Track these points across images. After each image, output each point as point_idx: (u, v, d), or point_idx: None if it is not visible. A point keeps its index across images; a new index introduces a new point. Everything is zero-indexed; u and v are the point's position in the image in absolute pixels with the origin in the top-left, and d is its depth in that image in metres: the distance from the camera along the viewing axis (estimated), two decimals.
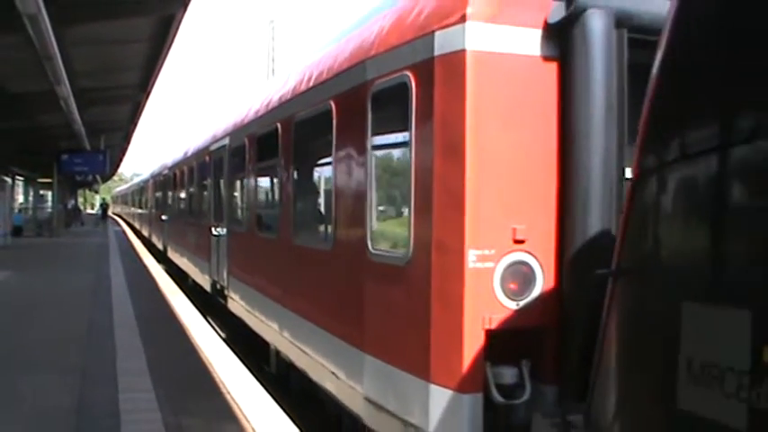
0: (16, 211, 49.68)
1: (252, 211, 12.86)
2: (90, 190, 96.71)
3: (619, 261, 3.82)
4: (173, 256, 25.81)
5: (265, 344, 11.29)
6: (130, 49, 21.35)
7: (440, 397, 5.77)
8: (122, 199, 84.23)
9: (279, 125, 10.38)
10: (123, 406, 8.08)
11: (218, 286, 15.52)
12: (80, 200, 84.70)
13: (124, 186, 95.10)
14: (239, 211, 14.27)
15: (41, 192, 62.56)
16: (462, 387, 5.61)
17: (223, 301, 14.92)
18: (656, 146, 3.54)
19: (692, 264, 3.19)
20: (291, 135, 9.85)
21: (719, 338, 2.91)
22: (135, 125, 41.67)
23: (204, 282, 17.52)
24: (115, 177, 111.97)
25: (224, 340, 13.44)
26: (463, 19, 5.63)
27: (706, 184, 3.16)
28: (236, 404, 8.22)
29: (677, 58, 3.44)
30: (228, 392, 8.69)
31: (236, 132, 14.09)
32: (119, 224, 71.74)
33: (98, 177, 66.13)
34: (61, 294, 17.79)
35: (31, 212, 56.35)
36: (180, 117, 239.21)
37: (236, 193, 14.80)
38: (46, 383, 9.08)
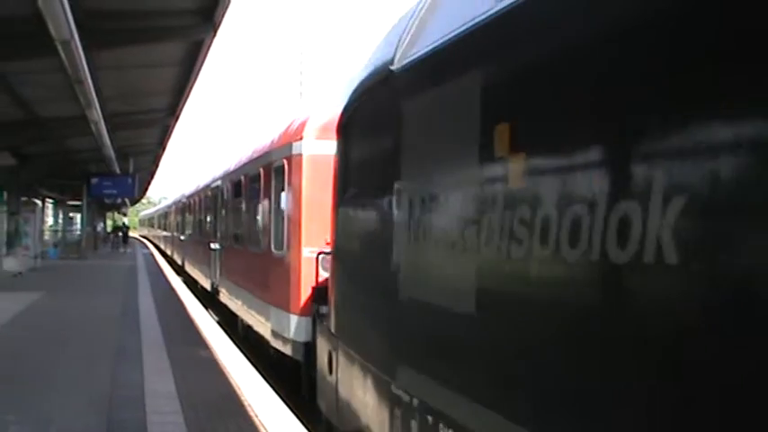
0: (47, 233, 50.17)
1: (230, 231, 19.90)
2: (119, 213, 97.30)
3: (332, 248, 7.99)
4: (188, 268, 32.72)
5: (236, 317, 18.02)
6: (160, 73, 21.58)
7: (294, 319, 11.76)
8: (148, 222, 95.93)
9: (242, 177, 17.69)
10: (151, 428, 8.10)
11: (215, 285, 22.15)
12: (108, 222, 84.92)
13: (150, 210, 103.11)
14: (225, 232, 21.02)
15: (71, 214, 62.99)
16: (303, 314, 11.49)
17: (217, 295, 21.60)
18: (337, 198, 7.68)
19: (341, 250, 7.53)
20: (248, 184, 16.98)
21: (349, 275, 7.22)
22: (164, 149, 41.96)
23: (206, 284, 24.47)
24: (144, 200, 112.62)
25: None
26: (300, 138, 12.04)
27: (347, 216, 7.35)
28: (264, 428, 8.22)
29: (339, 163, 7.75)
30: (256, 415, 8.69)
31: (224, 177, 21.36)
32: (146, 246, 72.10)
33: (126, 200, 66.43)
34: (90, 315, 17.91)
35: (60, 235, 56.75)
36: (209, 140, 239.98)
37: (224, 219, 21.52)
38: (74, 405, 9.13)
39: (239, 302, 17.31)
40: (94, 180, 40.64)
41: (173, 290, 25.88)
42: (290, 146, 12.49)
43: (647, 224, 2.74)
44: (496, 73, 4.19)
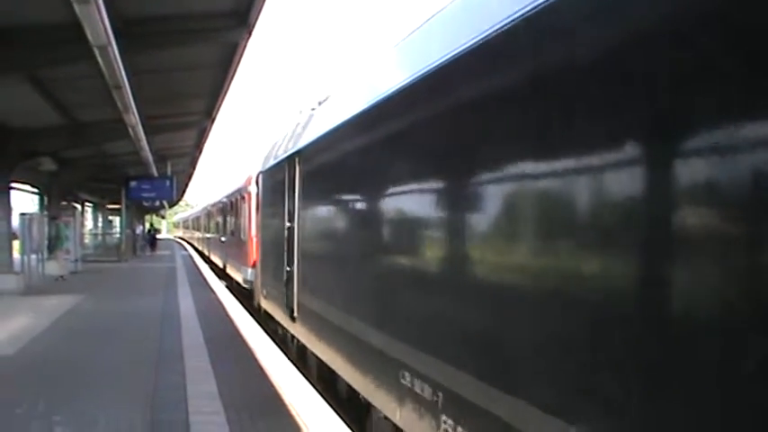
0: (86, 237, 50.62)
1: (230, 229, 32.95)
2: (157, 215, 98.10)
3: (257, 234, 19.94)
4: (211, 256, 45.59)
5: (233, 280, 29.77)
6: (196, 76, 21.75)
7: (249, 270, 23.01)
8: (183, 224, 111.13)
9: (233, 199, 31.55)
10: (194, 429, 8.16)
11: (224, 263, 34.93)
12: (147, 225, 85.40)
13: (185, 214, 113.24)
14: (228, 230, 34.17)
15: (110, 217, 63.47)
16: (252, 266, 21.74)
17: (225, 270, 33.96)
18: (257, 213, 19.11)
19: (259, 234, 18.59)
20: (234, 203, 30.63)
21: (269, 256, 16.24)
22: (201, 151, 42.26)
23: (220, 263, 37.17)
24: (181, 203, 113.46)
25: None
26: (250, 184, 23.95)
27: (259, 221, 18.56)
28: (306, 427, 8.24)
29: (258, 198, 18.53)
30: (298, 414, 8.71)
31: (227, 197, 34.69)
32: (184, 248, 72.47)
33: (165, 203, 66.84)
34: (131, 317, 18.07)
35: (100, 238, 57.20)
36: (246, 139, 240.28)
37: (227, 222, 34.88)
38: (118, 406, 9.24)
39: (233, 269, 29.74)
40: (133, 183, 40.99)
41: (206, 281, 27.89)
42: (246, 187, 25.71)
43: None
44: (274, 185, 14.76)
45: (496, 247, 4.96)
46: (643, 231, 3.49)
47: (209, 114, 28.34)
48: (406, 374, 6.24)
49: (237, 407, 9.06)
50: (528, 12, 4.34)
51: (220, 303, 21.51)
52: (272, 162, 15.28)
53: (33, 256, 27.34)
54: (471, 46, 5.11)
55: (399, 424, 6.55)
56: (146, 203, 53.64)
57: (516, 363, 4.55)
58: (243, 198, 26.85)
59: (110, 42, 12.08)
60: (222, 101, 25.23)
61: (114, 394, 9.90)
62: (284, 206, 12.89)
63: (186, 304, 21.01)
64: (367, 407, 8.53)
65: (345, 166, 9.00)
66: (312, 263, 11.00)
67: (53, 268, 29.67)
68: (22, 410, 9.08)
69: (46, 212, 33.61)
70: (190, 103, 26.25)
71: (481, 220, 5.16)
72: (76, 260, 34.51)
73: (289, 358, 13.09)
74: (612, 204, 3.69)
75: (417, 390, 5.96)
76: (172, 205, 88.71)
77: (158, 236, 78.86)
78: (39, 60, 16.04)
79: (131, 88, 16.30)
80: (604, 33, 3.78)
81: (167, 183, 41.47)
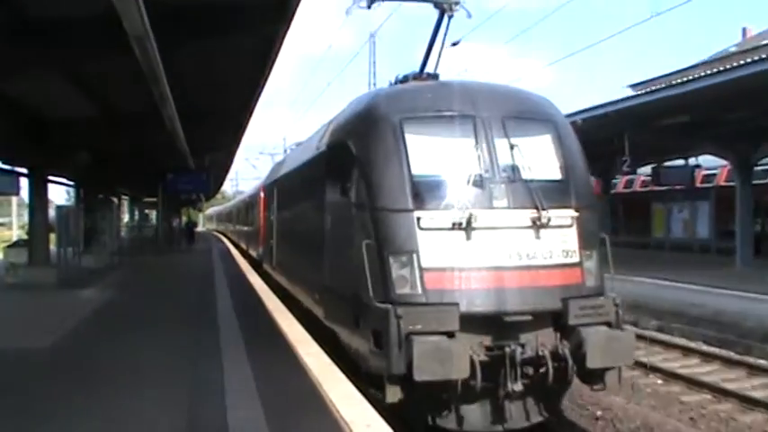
0: (123, 230, 50.90)
1: (249, 221, 43.37)
2: (194, 208, 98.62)
3: (263, 223, 32.02)
4: (237, 241, 57.58)
5: (249, 254, 41.12)
6: (234, 67, 21.60)
7: (260, 247, 32.45)
8: (217, 218, 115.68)
9: (251, 198, 44.44)
10: (232, 423, 8.05)
11: (246, 246, 44.57)
12: (184, 218, 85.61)
13: (217, 208, 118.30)
14: (248, 221, 44.08)
15: (146, 210, 63.84)
16: (262, 245, 31.48)
17: (248, 250, 42.38)
18: (264, 209, 32.63)
19: (264, 224, 31.36)
20: (252, 202, 42.77)
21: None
22: (238, 143, 42.25)
23: (244, 247, 46.61)
24: (218, 195, 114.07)
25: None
26: (261, 190, 34.99)
27: (264, 215, 32.38)
28: (346, 423, 8.06)
29: (264, 200, 33.60)
30: (338, 411, 8.53)
31: (249, 197, 48.96)
32: (220, 240, 72.58)
33: (201, 196, 67.11)
34: (168, 310, 18.10)
35: (136, 231, 57.51)
36: (282, 131, 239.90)
37: (248, 216, 45.05)
38: (156, 401, 9.21)
39: (252, 249, 39.26)
40: (170, 176, 41.19)
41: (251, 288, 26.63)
42: (259, 192, 35.23)
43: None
44: (268, 195, 29.54)
45: (299, 231, 18.52)
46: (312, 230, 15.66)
47: (247, 106, 28.25)
48: (294, 274, 19.41)
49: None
50: (296, 167, 19.98)
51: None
52: (268, 182, 29.40)
53: (69, 249, 27.42)
54: (293, 168, 20.71)
55: (288, 289, 20.49)
56: (182, 196, 53.81)
57: (299, 261, 18.39)
58: (257, 200, 36.63)
59: (147, 34, 11.96)
60: (260, 92, 25.14)
61: (144, 393, 9.87)
62: (271, 209, 25.99)
63: (224, 303, 19.12)
64: (289, 296, 19.79)
65: (281, 196, 22.78)
66: (278, 238, 23.26)
67: (89, 261, 29.80)
68: (52, 402, 9.16)
69: (82, 205, 33.81)
70: (227, 95, 26.15)
71: (301, 222, 18.05)
72: (113, 254, 34.66)
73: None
74: (309, 221, 16.34)
75: (293, 277, 19.69)
76: (208, 198, 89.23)
77: (195, 229, 77.09)
78: (76, 53, 16.02)
79: (168, 81, 16.20)
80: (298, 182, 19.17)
81: (204, 176, 41.66)
